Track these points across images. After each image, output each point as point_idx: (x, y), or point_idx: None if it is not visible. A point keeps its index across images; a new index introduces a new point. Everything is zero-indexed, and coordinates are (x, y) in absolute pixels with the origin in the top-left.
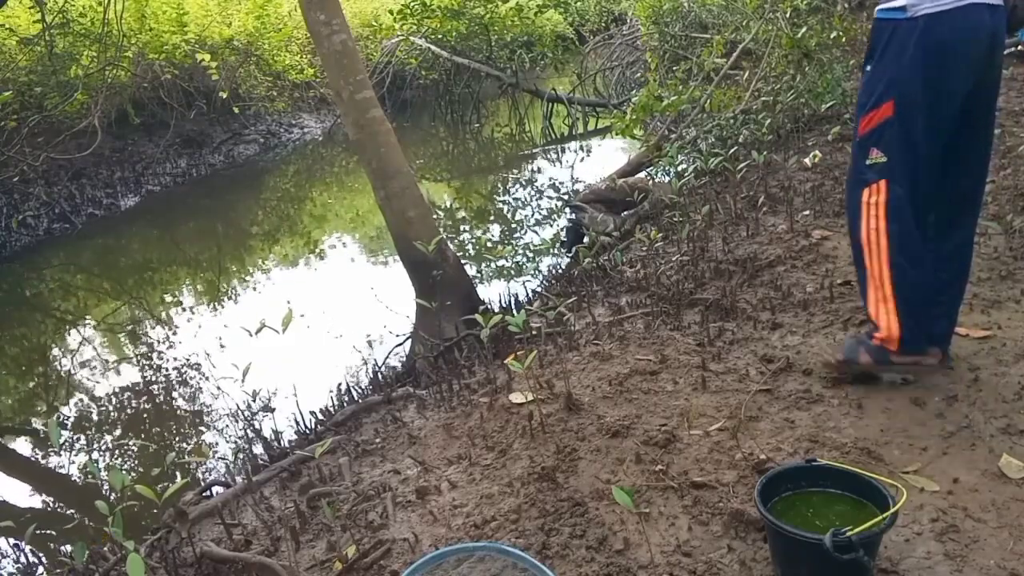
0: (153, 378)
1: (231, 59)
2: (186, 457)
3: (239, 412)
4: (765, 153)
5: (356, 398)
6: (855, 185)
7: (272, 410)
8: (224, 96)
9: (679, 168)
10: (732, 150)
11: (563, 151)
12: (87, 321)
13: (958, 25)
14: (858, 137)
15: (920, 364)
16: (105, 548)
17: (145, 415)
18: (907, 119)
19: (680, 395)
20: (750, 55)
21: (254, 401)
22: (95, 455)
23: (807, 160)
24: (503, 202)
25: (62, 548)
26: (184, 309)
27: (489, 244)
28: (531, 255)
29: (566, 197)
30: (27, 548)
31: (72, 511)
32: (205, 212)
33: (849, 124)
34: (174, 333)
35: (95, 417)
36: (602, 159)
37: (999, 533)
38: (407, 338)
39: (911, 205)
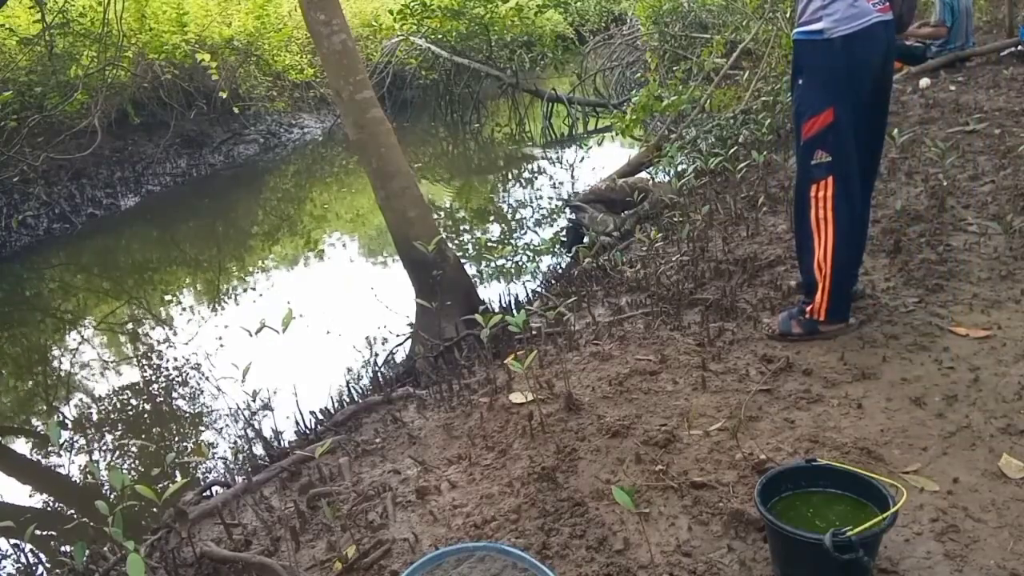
0: (153, 378)
1: (231, 59)
2: (186, 457)
3: (239, 412)
4: (765, 153)
5: (356, 398)
6: (804, 181)
7: (272, 410)
8: (224, 96)
9: (679, 168)
10: (732, 150)
11: (563, 151)
12: (87, 321)
13: (866, 42)
14: (802, 141)
15: (843, 330)
16: (105, 548)
17: (145, 415)
18: (843, 121)
19: (680, 395)
20: (750, 55)
21: (254, 401)
22: (95, 455)
23: None
24: (503, 202)
25: (62, 548)
26: (184, 309)
27: (489, 244)
28: (531, 255)
29: (566, 197)
30: (27, 548)
31: (72, 511)
32: (205, 212)
33: None
34: (174, 333)
35: (95, 417)
36: (602, 159)
37: (999, 533)
38: (407, 338)
39: (852, 192)
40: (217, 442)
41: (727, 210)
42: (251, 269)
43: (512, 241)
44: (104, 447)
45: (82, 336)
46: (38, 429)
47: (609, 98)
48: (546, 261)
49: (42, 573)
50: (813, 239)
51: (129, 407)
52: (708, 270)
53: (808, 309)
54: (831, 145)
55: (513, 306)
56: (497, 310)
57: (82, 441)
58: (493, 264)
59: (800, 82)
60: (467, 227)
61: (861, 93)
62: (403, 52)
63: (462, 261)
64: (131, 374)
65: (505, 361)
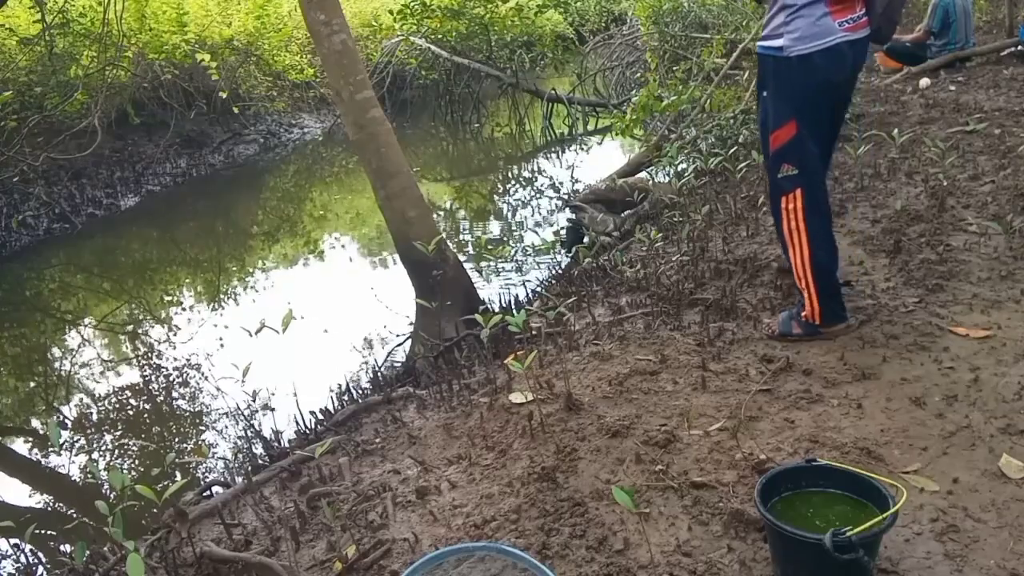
0: (153, 378)
1: (231, 59)
2: (186, 457)
3: (239, 412)
4: None
5: (356, 398)
6: (775, 193)
7: (272, 410)
8: (224, 96)
9: (679, 168)
10: (732, 150)
11: (563, 151)
12: (87, 321)
13: (828, 62)
14: (771, 153)
15: (843, 330)
16: (105, 548)
17: (145, 415)
18: (805, 134)
19: (680, 395)
20: (750, 55)
21: (254, 401)
22: (95, 455)
23: None
24: (503, 202)
25: (62, 548)
26: (184, 309)
27: (489, 244)
28: (531, 255)
29: (566, 197)
30: (27, 548)
31: (72, 511)
32: (205, 212)
33: (849, 123)
34: (174, 333)
35: (95, 417)
36: (602, 159)
37: (999, 533)
38: (407, 338)
39: (820, 201)
40: (217, 442)
41: (727, 210)
42: (251, 269)
43: (512, 241)
44: (104, 447)
45: (82, 336)
46: (38, 429)
47: (609, 98)
48: (546, 261)
49: (42, 573)
50: (789, 250)
51: (129, 407)
52: (708, 270)
53: (803, 315)
54: (797, 158)
55: (513, 306)
56: (497, 310)
57: (82, 441)
58: (493, 264)
59: (765, 94)
60: (467, 227)
61: (822, 109)
62: (403, 52)
63: (462, 261)
64: (131, 374)
65: (505, 361)
